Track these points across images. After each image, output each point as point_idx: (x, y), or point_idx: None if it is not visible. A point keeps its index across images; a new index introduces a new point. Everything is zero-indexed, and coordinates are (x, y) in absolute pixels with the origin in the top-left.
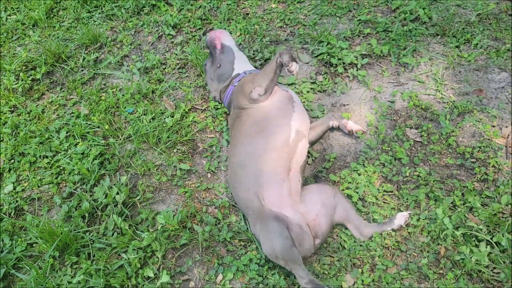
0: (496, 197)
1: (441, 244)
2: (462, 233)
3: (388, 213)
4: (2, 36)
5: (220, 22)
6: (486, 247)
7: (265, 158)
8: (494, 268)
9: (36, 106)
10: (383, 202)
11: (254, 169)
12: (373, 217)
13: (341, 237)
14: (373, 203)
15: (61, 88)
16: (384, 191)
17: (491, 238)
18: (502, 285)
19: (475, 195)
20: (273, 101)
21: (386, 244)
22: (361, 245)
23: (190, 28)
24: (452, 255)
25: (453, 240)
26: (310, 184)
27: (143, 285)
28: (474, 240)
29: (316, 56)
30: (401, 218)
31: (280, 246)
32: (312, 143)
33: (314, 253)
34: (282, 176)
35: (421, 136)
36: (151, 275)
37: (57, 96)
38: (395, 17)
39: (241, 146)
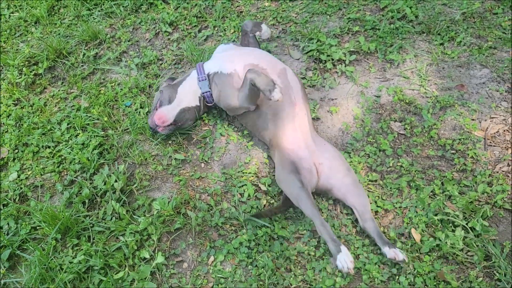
0: (473, 186)
1: (422, 229)
2: (439, 219)
3: (371, 199)
4: (5, 32)
5: (215, 20)
6: (462, 232)
7: (273, 107)
8: (468, 251)
9: (39, 99)
10: (368, 190)
11: (269, 120)
12: None
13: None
14: None
15: (62, 83)
16: (369, 180)
17: (467, 224)
18: (475, 266)
19: (453, 184)
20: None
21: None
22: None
23: (186, 25)
24: (428, 239)
25: (432, 227)
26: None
27: (140, 265)
28: (451, 226)
29: (307, 53)
30: (391, 253)
31: (296, 195)
32: None
33: (298, 239)
34: (292, 113)
35: (404, 129)
36: (147, 256)
37: (59, 90)
38: (383, 16)
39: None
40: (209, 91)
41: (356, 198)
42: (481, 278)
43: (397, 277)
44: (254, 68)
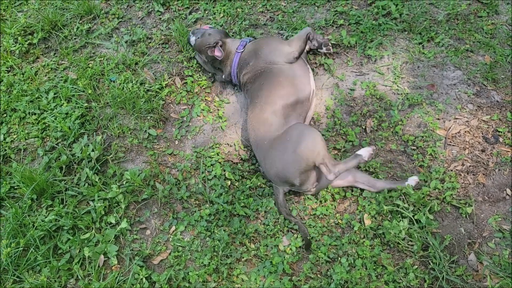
0: (428, 181)
1: (373, 217)
2: (389, 210)
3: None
4: (5, 1)
5: (206, 3)
6: (406, 223)
7: (295, 108)
8: (410, 241)
9: (31, 68)
10: None
11: (284, 115)
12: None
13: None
14: None
15: (55, 54)
16: None
17: (413, 216)
18: (413, 254)
19: None
20: (298, 64)
21: (322, 216)
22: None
23: (178, 6)
24: (375, 228)
25: (382, 216)
26: None
27: (106, 229)
28: (399, 217)
29: None
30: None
31: (322, 141)
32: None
33: (257, 218)
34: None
35: (372, 122)
36: (113, 221)
37: (50, 61)
38: (369, 11)
39: (276, 96)
40: (247, 40)
41: (353, 175)
42: (416, 266)
43: (339, 258)
44: (305, 63)
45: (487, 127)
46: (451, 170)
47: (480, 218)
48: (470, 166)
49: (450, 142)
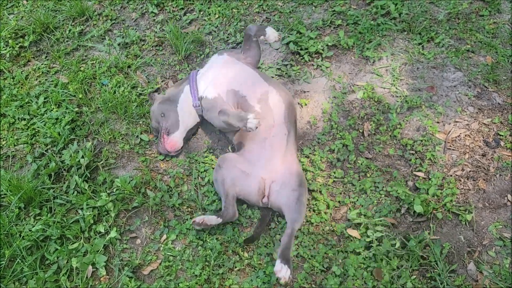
0: (427, 188)
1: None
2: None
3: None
4: None
5: (201, 4)
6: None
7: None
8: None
9: (21, 72)
10: (333, 187)
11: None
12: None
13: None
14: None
15: (46, 57)
16: (335, 177)
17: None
18: (411, 264)
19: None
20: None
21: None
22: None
23: (173, 7)
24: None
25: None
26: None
27: (95, 238)
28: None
29: (286, 44)
30: (278, 267)
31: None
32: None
33: (251, 225)
34: (265, 134)
35: (369, 126)
36: (102, 230)
37: (42, 64)
38: (368, 11)
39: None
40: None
41: (290, 212)
42: (414, 276)
43: (334, 267)
44: (235, 93)
45: (488, 131)
46: (451, 176)
47: (480, 226)
48: (470, 171)
49: (450, 146)
